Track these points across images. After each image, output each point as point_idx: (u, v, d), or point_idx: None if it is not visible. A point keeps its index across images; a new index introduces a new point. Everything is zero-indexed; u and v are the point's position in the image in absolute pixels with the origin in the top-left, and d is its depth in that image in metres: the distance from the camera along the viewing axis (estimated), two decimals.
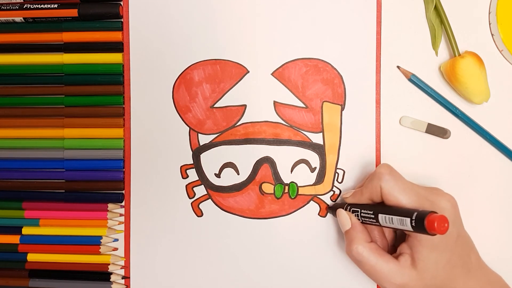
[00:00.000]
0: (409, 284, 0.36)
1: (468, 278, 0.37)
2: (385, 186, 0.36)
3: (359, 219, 0.39)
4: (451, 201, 0.37)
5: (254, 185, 0.44)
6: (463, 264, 0.37)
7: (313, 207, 0.44)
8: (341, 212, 0.40)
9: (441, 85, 0.43)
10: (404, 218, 0.33)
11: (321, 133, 0.43)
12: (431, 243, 0.35)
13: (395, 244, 0.40)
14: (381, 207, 0.37)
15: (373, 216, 0.37)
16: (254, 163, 0.44)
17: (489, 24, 0.43)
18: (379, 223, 0.36)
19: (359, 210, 0.38)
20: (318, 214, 0.44)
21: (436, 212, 0.32)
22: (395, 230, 0.41)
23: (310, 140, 0.44)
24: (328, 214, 0.44)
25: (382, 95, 0.43)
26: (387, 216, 0.35)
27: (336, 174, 0.44)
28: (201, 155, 0.44)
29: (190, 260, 0.44)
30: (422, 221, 0.31)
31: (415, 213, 0.32)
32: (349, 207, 0.40)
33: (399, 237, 0.41)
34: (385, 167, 0.38)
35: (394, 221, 0.34)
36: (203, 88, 0.44)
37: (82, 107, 0.44)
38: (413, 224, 0.32)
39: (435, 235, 0.31)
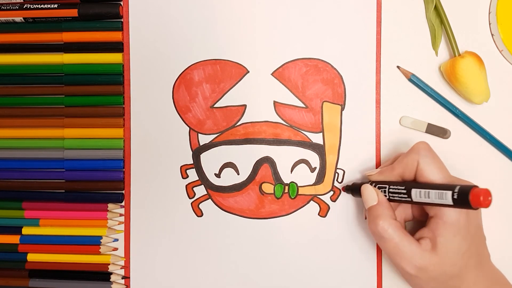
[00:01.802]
0: (428, 267, 0.35)
1: (479, 271, 0.37)
2: (423, 161, 0.36)
3: (385, 196, 0.38)
4: None
5: (254, 185, 0.44)
6: (477, 255, 0.36)
7: (313, 207, 0.44)
8: (367, 187, 0.39)
9: (441, 85, 0.43)
10: (444, 191, 0.33)
11: (321, 133, 0.43)
12: (456, 227, 0.35)
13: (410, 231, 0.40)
14: (413, 183, 0.36)
15: (404, 191, 0.36)
16: (254, 163, 0.44)
17: (489, 24, 0.43)
18: (411, 198, 0.35)
19: (387, 186, 0.38)
20: (318, 214, 0.44)
21: (478, 187, 0.32)
22: (406, 220, 0.40)
23: (310, 140, 0.44)
24: (328, 214, 0.44)
25: (382, 95, 0.43)
26: (423, 190, 0.34)
27: (336, 174, 0.44)
28: (201, 155, 0.44)
29: (190, 260, 0.44)
30: (466, 194, 0.31)
31: (458, 186, 0.32)
32: (373, 184, 0.39)
33: (416, 224, 0.40)
34: (424, 144, 0.37)
35: (431, 195, 0.34)
36: (203, 88, 0.44)
37: (82, 107, 0.44)
38: (455, 196, 0.32)
39: (477, 208, 0.31)
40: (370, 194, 0.38)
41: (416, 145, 0.37)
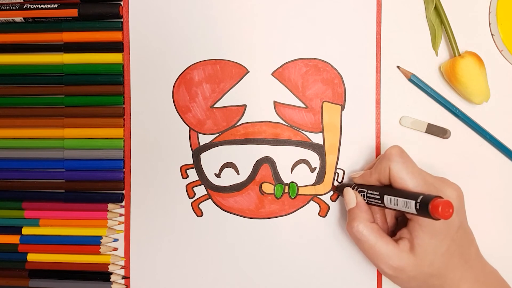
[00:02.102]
0: (405, 268, 0.36)
1: (465, 269, 0.37)
2: (394, 167, 0.36)
3: (364, 199, 0.39)
4: (457, 190, 0.37)
5: (254, 185, 0.44)
6: (461, 254, 0.37)
7: (313, 207, 0.44)
8: (348, 190, 0.40)
9: (441, 85, 0.43)
10: (409, 200, 0.33)
11: (321, 133, 0.43)
12: (432, 230, 0.35)
13: (395, 230, 0.40)
14: (388, 189, 0.37)
15: (378, 197, 0.37)
16: (254, 163, 0.44)
17: (489, 24, 0.43)
18: (384, 204, 0.36)
19: (365, 190, 0.39)
20: (318, 214, 0.44)
21: (441, 197, 0.32)
22: (397, 217, 0.41)
23: (310, 140, 0.44)
24: (328, 214, 0.44)
25: (382, 95, 0.43)
26: (393, 197, 0.35)
27: (336, 174, 0.44)
28: (201, 155, 0.44)
29: (190, 260, 0.44)
30: (426, 205, 0.31)
31: (421, 197, 0.33)
32: (356, 187, 0.40)
33: (400, 224, 0.41)
34: (396, 148, 0.37)
35: (399, 203, 0.34)
36: (203, 88, 0.44)
37: (82, 107, 0.44)
38: (417, 207, 0.32)
39: (438, 219, 0.31)
40: (350, 197, 0.39)
41: (388, 150, 0.37)
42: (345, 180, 0.44)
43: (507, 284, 0.39)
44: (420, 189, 0.35)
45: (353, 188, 0.40)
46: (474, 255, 0.38)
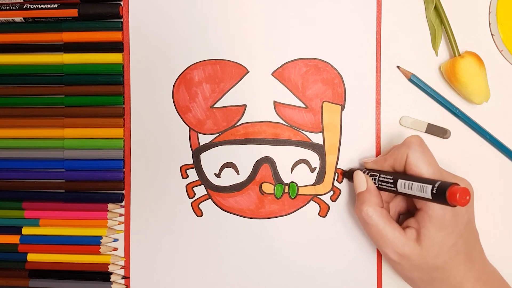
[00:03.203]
0: (410, 256, 0.36)
1: (469, 267, 0.37)
2: (412, 155, 0.36)
3: (375, 184, 0.39)
4: (468, 187, 0.37)
5: (254, 185, 0.44)
6: (467, 251, 0.37)
7: (313, 207, 0.44)
8: (358, 173, 0.40)
9: (441, 85, 0.43)
10: (425, 185, 0.33)
11: (321, 133, 0.43)
12: (441, 222, 0.35)
13: (399, 221, 0.41)
14: (401, 174, 0.37)
15: (392, 180, 0.37)
16: (254, 163, 0.44)
17: (489, 24, 0.43)
18: (397, 188, 0.36)
19: (377, 174, 0.39)
20: (318, 214, 0.44)
21: (458, 184, 0.32)
22: (400, 213, 0.41)
23: (310, 140, 0.44)
24: (328, 214, 0.44)
25: (382, 95, 0.43)
26: (407, 181, 0.35)
27: (336, 174, 0.44)
28: (201, 155, 0.44)
29: (190, 260, 0.44)
30: (444, 190, 0.32)
31: (439, 182, 0.33)
32: (367, 171, 0.40)
33: (402, 221, 0.41)
34: (416, 137, 0.38)
35: (413, 188, 0.34)
36: (203, 88, 0.44)
37: (82, 107, 0.44)
38: (434, 191, 0.32)
39: (454, 206, 0.31)
40: (360, 180, 0.39)
41: (408, 139, 0.38)
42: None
43: (508, 285, 0.39)
44: (434, 178, 0.35)
45: (363, 173, 0.40)
46: (478, 253, 0.38)
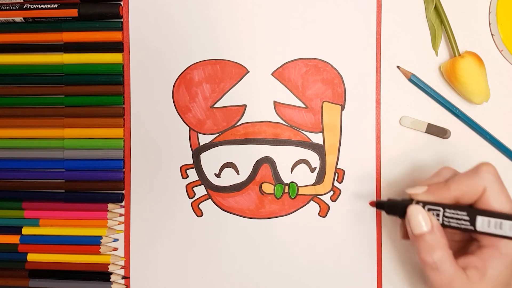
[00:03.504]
0: None
1: None
2: (491, 188, 0.32)
3: (438, 220, 0.33)
4: None
5: (254, 185, 0.44)
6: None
7: (313, 207, 0.44)
8: (418, 209, 0.33)
9: (441, 85, 0.43)
10: None
11: (321, 133, 0.43)
12: (511, 259, 0.32)
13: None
14: (476, 209, 0.32)
15: (467, 218, 0.31)
16: (254, 163, 0.44)
17: (489, 24, 0.43)
18: (475, 227, 0.31)
19: (441, 209, 0.33)
20: (318, 214, 0.44)
21: None
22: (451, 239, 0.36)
23: (310, 140, 0.44)
24: (328, 214, 0.44)
25: (382, 95, 0.43)
26: (493, 219, 0.31)
27: (336, 174, 0.44)
28: (201, 155, 0.44)
29: (190, 260, 0.44)
30: None
31: None
32: (420, 204, 0.34)
33: (458, 250, 0.36)
34: (492, 167, 0.33)
35: (504, 227, 0.30)
36: (203, 88, 0.44)
37: (82, 107, 0.44)
38: None
39: None
40: (422, 218, 0.33)
41: (483, 168, 0.33)
42: (346, 180, 0.43)
43: None
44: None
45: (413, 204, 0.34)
46: None
